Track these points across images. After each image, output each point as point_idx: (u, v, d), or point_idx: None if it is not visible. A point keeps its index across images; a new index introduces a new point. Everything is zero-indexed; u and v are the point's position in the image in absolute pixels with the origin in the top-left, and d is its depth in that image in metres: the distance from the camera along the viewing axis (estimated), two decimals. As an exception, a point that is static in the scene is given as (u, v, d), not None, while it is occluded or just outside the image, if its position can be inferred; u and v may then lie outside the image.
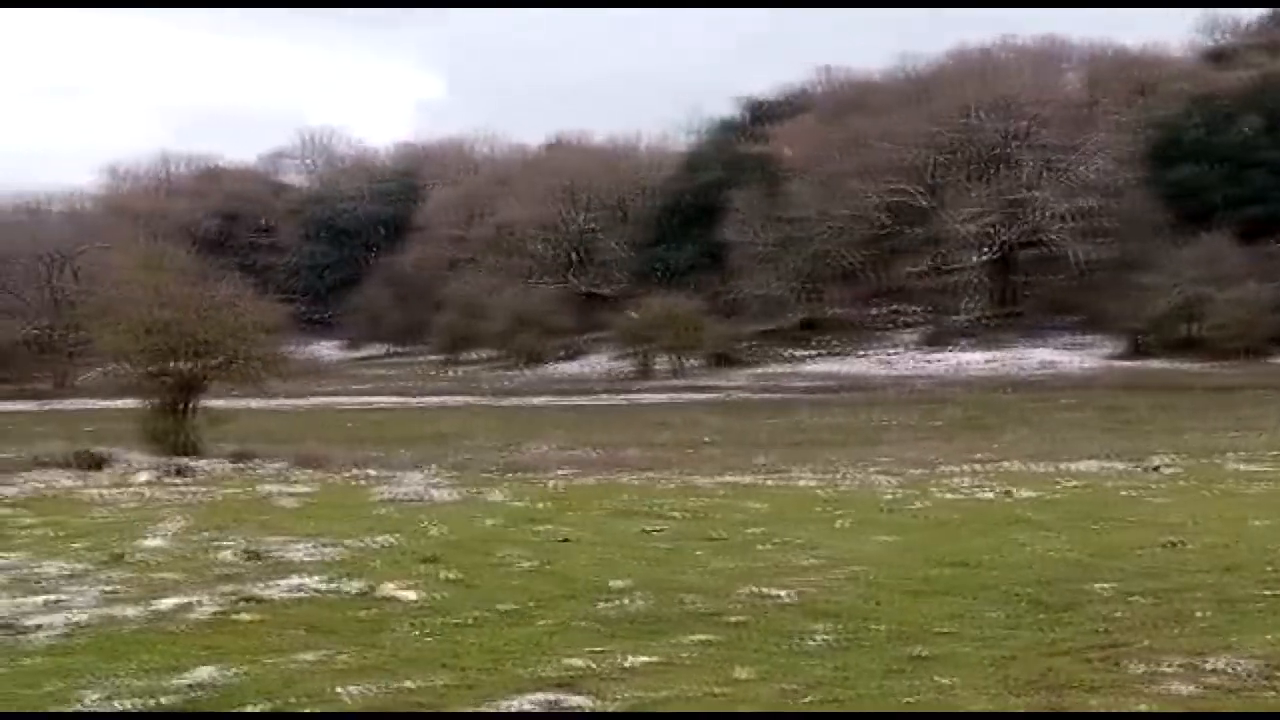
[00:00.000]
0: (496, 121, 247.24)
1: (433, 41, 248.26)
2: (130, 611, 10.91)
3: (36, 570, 12.64)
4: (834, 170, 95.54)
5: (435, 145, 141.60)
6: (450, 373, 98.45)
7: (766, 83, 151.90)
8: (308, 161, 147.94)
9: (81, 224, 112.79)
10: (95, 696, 8.38)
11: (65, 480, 24.43)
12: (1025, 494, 20.96)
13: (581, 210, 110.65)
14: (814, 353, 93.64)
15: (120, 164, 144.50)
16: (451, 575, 12.76)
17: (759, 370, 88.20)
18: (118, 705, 8.25)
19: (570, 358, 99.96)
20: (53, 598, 11.39)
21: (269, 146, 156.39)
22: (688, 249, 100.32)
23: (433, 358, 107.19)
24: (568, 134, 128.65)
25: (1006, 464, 29.21)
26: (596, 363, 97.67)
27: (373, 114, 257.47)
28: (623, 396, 72.63)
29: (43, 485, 23.14)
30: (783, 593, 12.01)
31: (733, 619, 11.03)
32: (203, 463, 29.43)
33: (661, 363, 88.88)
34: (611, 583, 12.42)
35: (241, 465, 29.57)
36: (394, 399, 74.78)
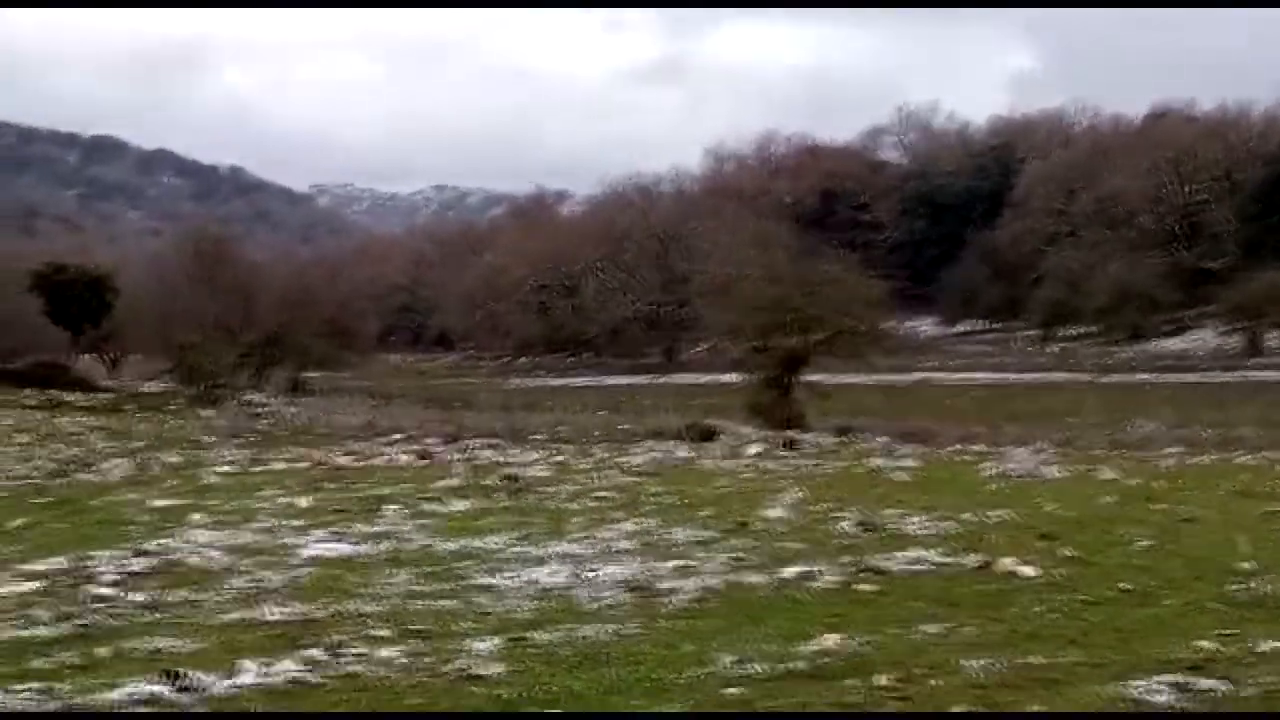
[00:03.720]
0: (1091, 92, 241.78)
1: (1025, 15, 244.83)
2: (757, 578, 11.24)
3: (667, 536, 13.21)
4: None
5: (1030, 118, 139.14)
6: (1049, 349, 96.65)
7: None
8: (905, 138, 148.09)
9: (688, 203, 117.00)
10: (729, 659, 8.63)
11: (681, 451, 25.43)
12: None
13: (1187, 182, 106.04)
14: None
15: (723, 144, 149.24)
16: (1070, 552, 12.54)
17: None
18: (752, 669, 8.46)
19: (1174, 333, 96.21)
20: (684, 563, 11.86)
21: (866, 124, 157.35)
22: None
23: (1030, 333, 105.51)
24: (1171, 103, 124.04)
25: None
26: (1202, 339, 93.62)
27: (967, 88, 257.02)
28: (1233, 374, 69.32)
29: (662, 455, 24.16)
30: None
31: (1378, 608, 10.38)
32: (808, 436, 29.99)
33: (1273, 339, 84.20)
34: (1238, 564, 11.90)
35: (845, 439, 29.94)
36: (991, 375, 74.04)
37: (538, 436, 30.68)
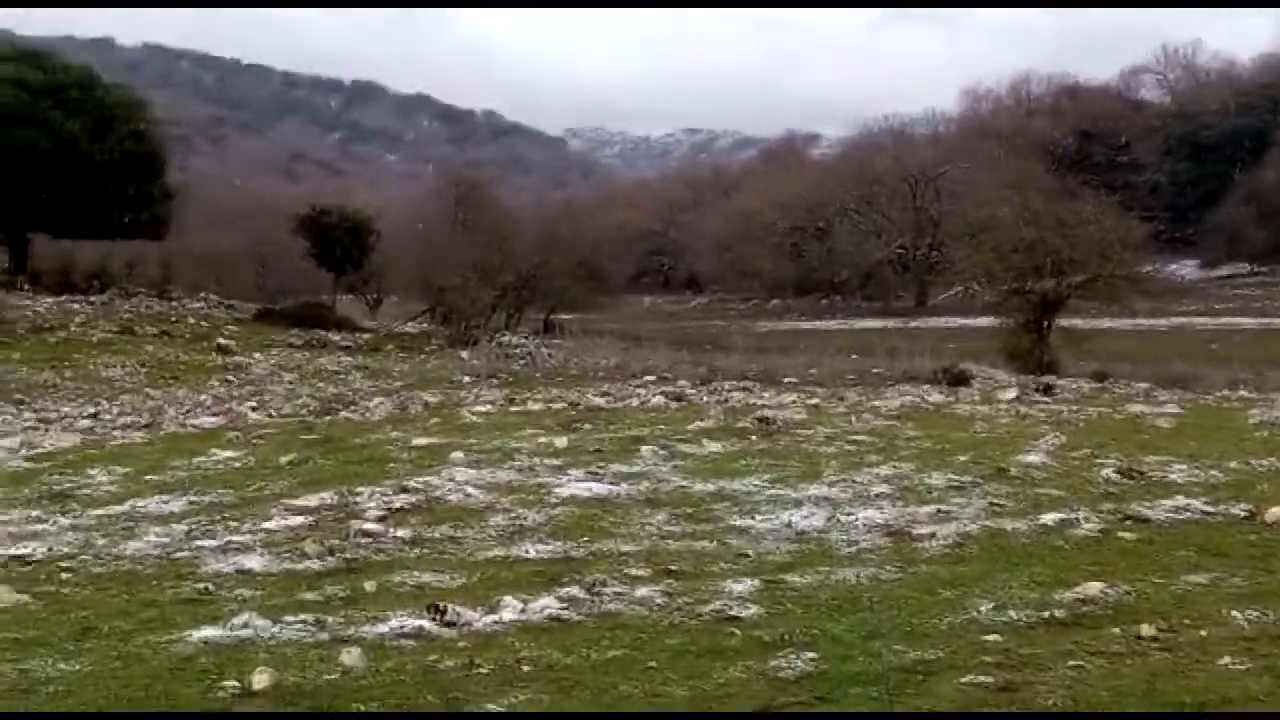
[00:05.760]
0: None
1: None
2: (1016, 525, 11.08)
3: (924, 481, 13.08)
4: None
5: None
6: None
7: None
8: (1167, 77, 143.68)
9: (942, 145, 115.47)
10: (987, 606, 8.55)
11: (934, 396, 25.16)
12: None
13: None
14: None
15: (979, 85, 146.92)
16: (1353, 503, 12.12)
17: None
18: (1010, 615, 8.38)
19: None
20: (941, 508, 11.74)
21: (1127, 63, 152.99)
22: None
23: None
24: None
25: None
26: None
27: (1230, 25, 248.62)
28: None
29: (915, 399, 23.94)
30: None
31: None
32: (1064, 381, 29.53)
33: None
34: None
35: (1103, 384, 29.39)
36: (1257, 320, 71.72)
37: (790, 379, 30.65)
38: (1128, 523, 11.19)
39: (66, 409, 24.33)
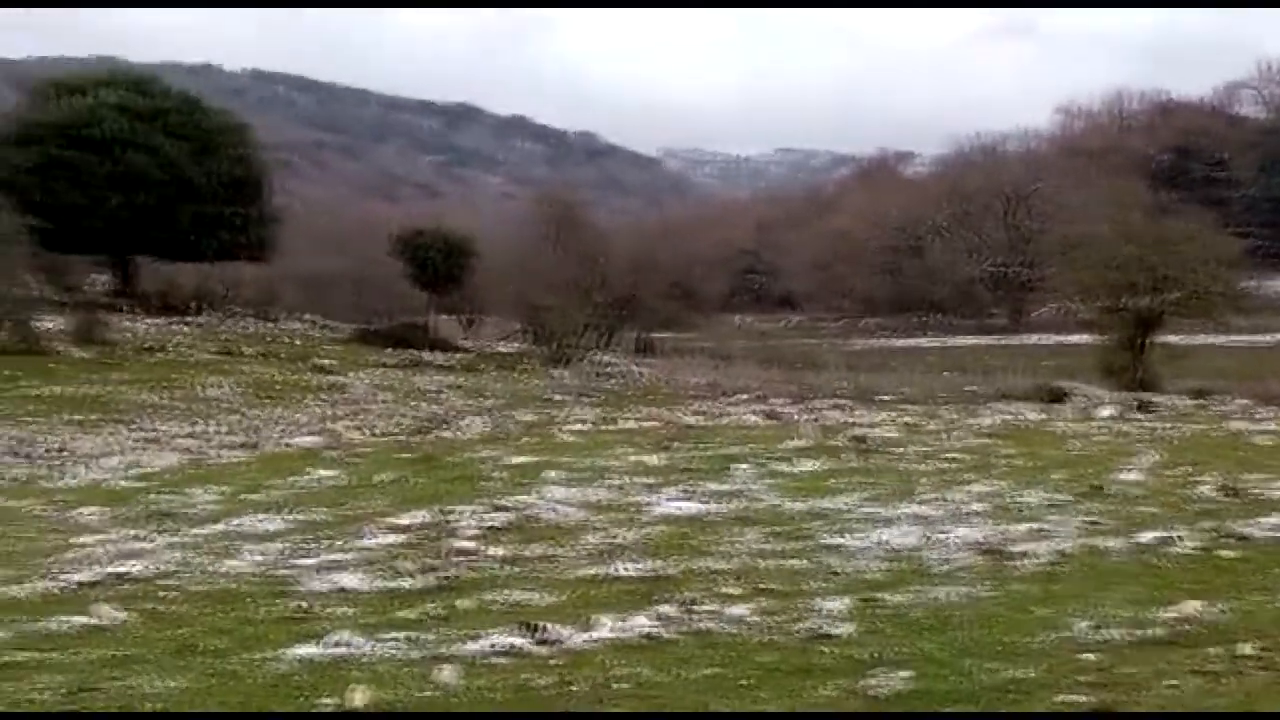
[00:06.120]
0: None
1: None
2: (1112, 543, 11.01)
3: (1019, 499, 13.02)
4: None
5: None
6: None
7: None
8: (1265, 92, 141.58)
9: (1036, 162, 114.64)
10: (1084, 624, 8.49)
11: (1030, 413, 24.98)
12: None
13: None
14: None
15: (1073, 102, 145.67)
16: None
17: None
18: (1108, 634, 8.31)
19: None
20: (1036, 526, 11.68)
21: (1223, 79, 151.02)
22: None
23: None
24: None
25: None
26: None
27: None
28: None
29: (1010, 417, 23.78)
30: None
31: None
32: (1162, 398, 29.21)
33: None
34: None
35: (1201, 402, 29.05)
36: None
37: (884, 397, 30.51)
38: (1226, 541, 11.10)
39: (169, 428, 24.65)
